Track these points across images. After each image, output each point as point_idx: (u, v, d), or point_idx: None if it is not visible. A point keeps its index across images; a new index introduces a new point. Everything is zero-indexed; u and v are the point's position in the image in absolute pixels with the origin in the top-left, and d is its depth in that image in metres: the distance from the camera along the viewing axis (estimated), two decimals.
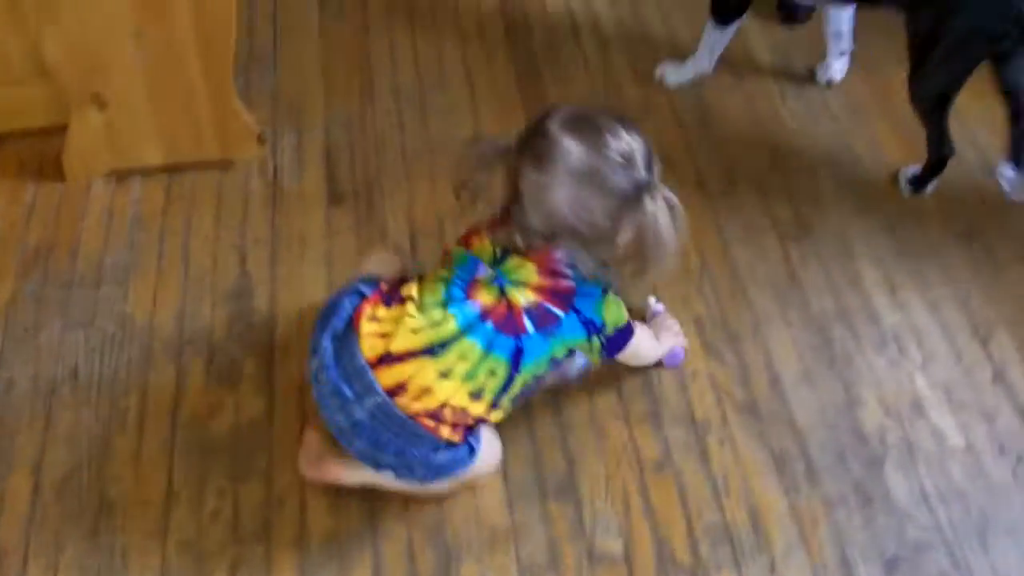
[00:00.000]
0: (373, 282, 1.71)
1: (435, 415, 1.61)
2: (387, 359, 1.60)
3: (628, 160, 1.56)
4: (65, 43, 2.07)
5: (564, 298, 1.63)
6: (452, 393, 1.60)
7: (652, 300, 1.98)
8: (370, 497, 1.73)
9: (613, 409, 1.86)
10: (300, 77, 2.49)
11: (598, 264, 1.62)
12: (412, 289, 1.65)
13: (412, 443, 1.61)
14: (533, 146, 1.57)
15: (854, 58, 2.47)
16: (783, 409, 1.86)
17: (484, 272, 1.63)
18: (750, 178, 2.24)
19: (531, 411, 1.85)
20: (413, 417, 1.59)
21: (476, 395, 1.62)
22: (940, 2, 1.96)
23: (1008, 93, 2.01)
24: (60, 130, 2.23)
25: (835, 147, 2.30)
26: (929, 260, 2.08)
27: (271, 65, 2.52)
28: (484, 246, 1.66)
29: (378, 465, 1.64)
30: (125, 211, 2.20)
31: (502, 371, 1.62)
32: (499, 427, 1.73)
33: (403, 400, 1.59)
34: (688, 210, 2.11)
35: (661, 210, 1.57)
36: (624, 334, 1.73)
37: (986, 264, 2.08)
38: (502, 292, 1.62)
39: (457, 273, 1.65)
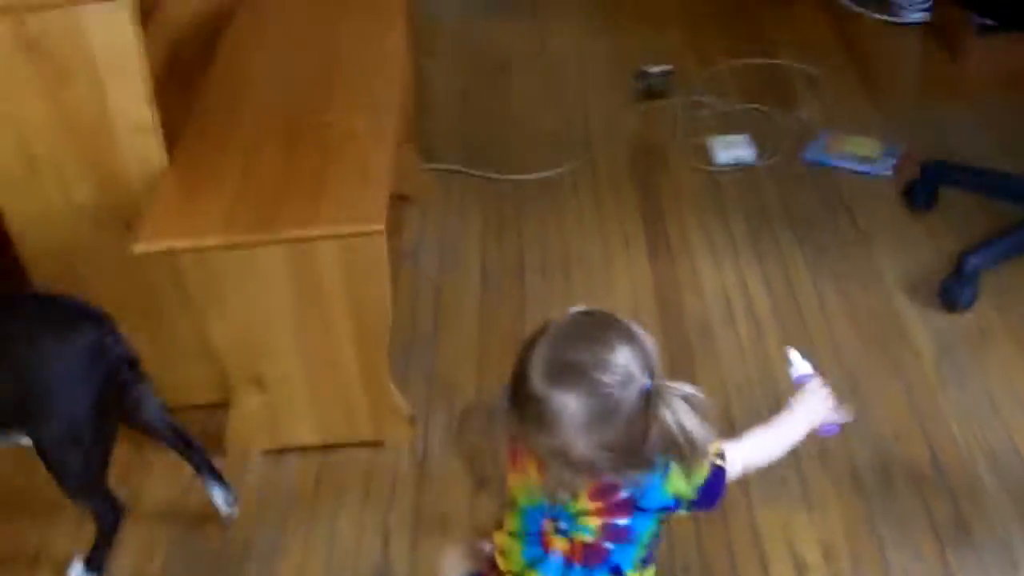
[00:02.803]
0: None
1: None
2: None
3: (626, 380, 1.45)
4: (230, 330, 2.17)
5: (624, 506, 1.55)
6: None
7: (794, 356, 1.75)
8: None
9: None
10: (456, 358, 2.54)
11: (643, 469, 1.52)
12: (502, 562, 1.63)
13: None
14: (528, 410, 1.48)
15: (1018, 350, 2.40)
16: None
17: (545, 523, 1.58)
18: (908, 474, 2.15)
19: None
20: None
21: None
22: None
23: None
24: (225, 406, 2.32)
25: (998, 441, 2.20)
26: None
27: (430, 346, 2.58)
28: (536, 480, 1.58)
29: None
30: (279, 488, 2.25)
31: None
32: None
33: None
34: (845, 508, 2.09)
35: (679, 409, 1.45)
36: (713, 485, 1.59)
37: None
38: (568, 536, 1.57)
39: (525, 531, 1.60)
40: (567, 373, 1.46)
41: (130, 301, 2.27)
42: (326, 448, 2.32)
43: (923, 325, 2.51)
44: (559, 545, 1.59)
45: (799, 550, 2.03)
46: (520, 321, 2.64)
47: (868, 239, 2.80)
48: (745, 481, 2.13)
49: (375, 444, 2.31)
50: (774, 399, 2.33)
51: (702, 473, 1.57)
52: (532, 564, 1.61)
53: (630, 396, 1.46)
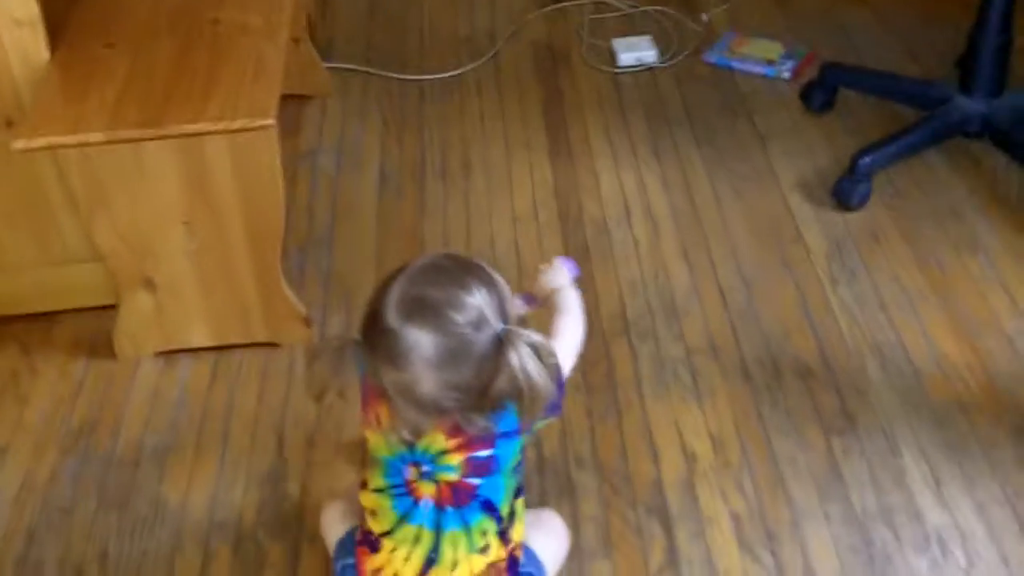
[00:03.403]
0: (347, 547, 1.71)
1: None
2: None
3: (479, 322, 1.47)
4: (116, 229, 2.13)
5: (484, 437, 1.56)
6: (470, 570, 1.62)
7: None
8: None
9: None
10: (354, 258, 2.53)
11: (486, 415, 1.53)
12: (374, 524, 1.64)
13: None
14: (380, 345, 1.48)
15: (910, 248, 2.44)
16: None
17: (408, 472, 1.59)
18: (796, 368, 2.19)
19: None
20: None
21: (485, 549, 1.62)
22: None
23: None
24: (114, 309, 2.29)
25: (885, 338, 2.25)
26: (978, 457, 2.00)
27: (327, 247, 2.57)
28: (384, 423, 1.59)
29: None
30: (171, 391, 2.23)
31: (488, 522, 1.61)
32: None
33: None
34: (733, 401, 2.12)
35: (526, 356, 1.47)
36: (558, 396, 1.60)
37: None
38: (434, 479, 1.59)
39: (390, 484, 1.61)
40: (421, 309, 1.47)
41: (15, 201, 2.23)
42: (219, 350, 2.30)
43: (817, 224, 2.54)
44: (426, 491, 1.60)
45: (689, 441, 2.06)
46: (419, 223, 2.63)
47: (766, 140, 2.82)
48: (637, 376, 2.18)
49: (270, 345, 2.30)
50: (669, 297, 2.37)
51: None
52: (404, 517, 1.62)
53: (482, 339, 1.48)
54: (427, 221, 2.63)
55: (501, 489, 1.62)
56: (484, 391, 1.50)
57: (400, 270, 1.53)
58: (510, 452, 1.60)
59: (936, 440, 2.04)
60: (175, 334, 2.28)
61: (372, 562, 1.65)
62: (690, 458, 2.03)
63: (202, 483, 2.04)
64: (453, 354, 1.46)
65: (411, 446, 1.57)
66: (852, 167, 2.57)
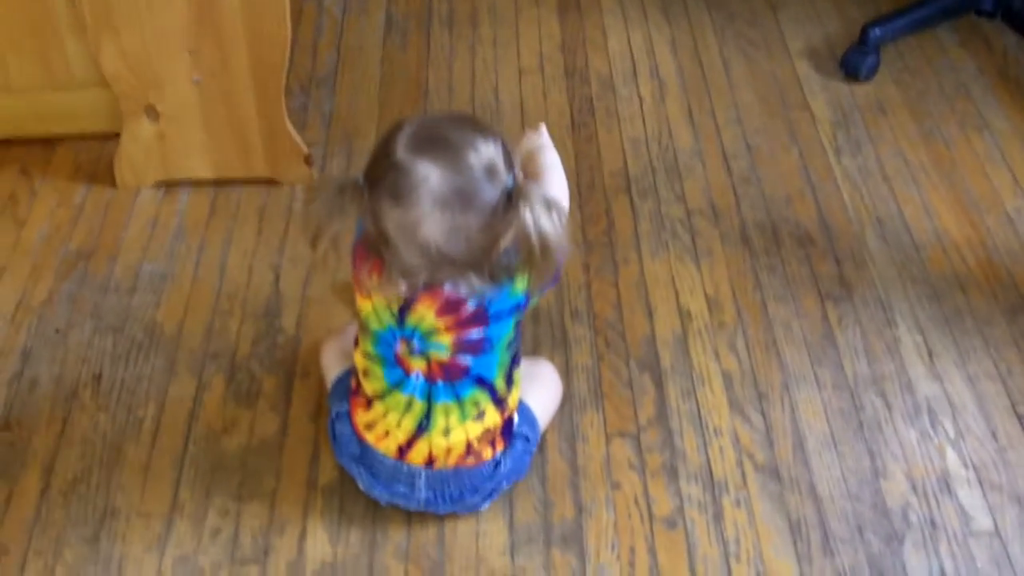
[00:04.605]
0: (341, 392, 1.72)
1: (471, 452, 1.65)
2: (403, 449, 1.65)
3: (492, 170, 1.43)
4: (121, 54, 2.10)
5: (476, 318, 1.54)
6: (465, 435, 1.64)
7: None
8: (372, 529, 1.72)
9: (630, 459, 1.82)
10: (357, 101, 2.50)
11: (483, 278, 1.50)
12: (366, 384, 1.65)
13: (475, 479, 1.67)
14: (386, 180, 1.43)
15: (916, 123, 2.43)
16: (805, 474, 1.81)
17: (399, 346, 1.58)
18: (796, 235, 2.19)
19: (545, 454, 1.82)
20: (459, 466, 1.65)
21: (480, 416, 1.64)
22: None
23: None
24: (117, 137, 2.26)
25: (886, 210, 2.25)
26: (972, 333, 2.02)
27: (330, 88, 2.54)
28: (381, 302, 1.56)
29: (472, 507, 1.72)
30: (169, 221, 2.22)
31: (481, 394, 1.62)
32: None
33: (440, 463, 1.65)
34: (731, 264, 2.13)
35: (540, 211, 1.43)
36: (556, 270, 1.55)
37: None
38: (424, 355, 1.58)
39: (380, 355, 1.61)
40: (436, 144, 1.43)
41: (22, 23, 2.19)
42: (219, 183, 2.28)
43: (824, 93, 2.53)
44: (417, 365, 1.59)
45: (684, 300, 2.07)
46: (424, 69, 2.59)
47: (777, 8, 2.78)
48: (636, 233, 2.18)
49: (270, 182, 2.29)
50: (671, 157, 2.36)
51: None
52: (396, 385, 1.62)
53: (493, 190, 1.43)
54: (432, 69, 2.60)
55: (494, 365, 1.61)
56: (489, 248, 1.46)
57: (408, 118, 1.50)
58: (503, 331, 1.58)
59: (931, 313, 2.05)
60: (176, 165, 2.26)
61: (364, 416, 1.67)
62: (685, 317, 2.05)
63: (198, 313, 2.05)
64: (462, 195, 1.42)
65: (400, 320, 1.55)
66: (862, 38, 2.54)
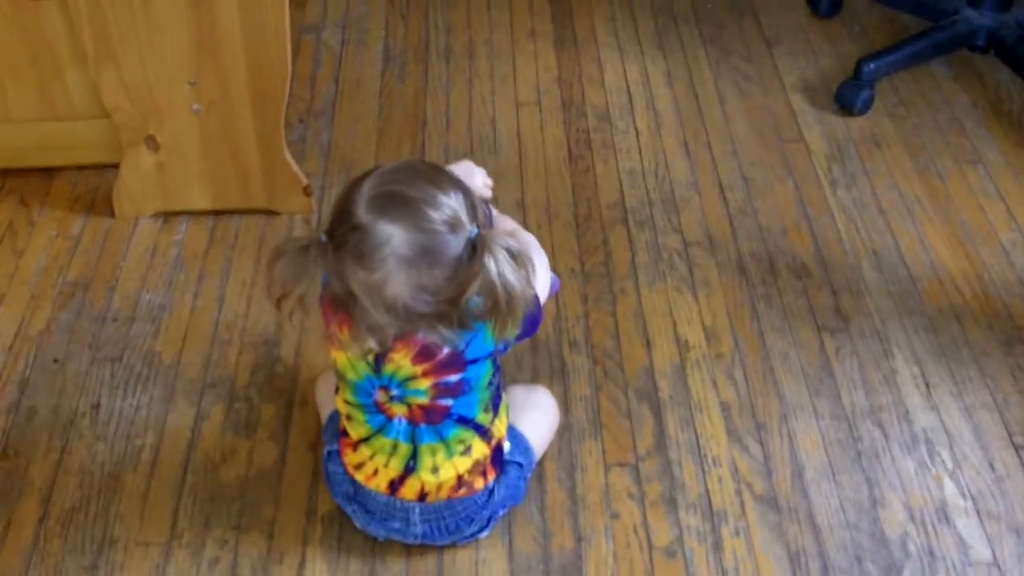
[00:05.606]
0: (333, 431, 1.72)
1: (463, 484, 1.66)
2: (394, 485, 1.65)
3: (454, 223, 1.43)
4: (122, 84, 2.11)
5: (452, 363, 1.54)
6: (455, 471, 1.64)
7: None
8: (372, 559, 1.71)
9: (629, 489, 1.82)
10: (355, 133, 2.52)
11: (454, 328, 1.50)
12: (350, 429, 1.66)
13: (469, 509, 1.68)
14: (349, 243, 1.42)
15: (910, 157, 2.45)
16: (803, 504, 1.81)
17: (378, 394, 1.58)
18: (792, 266, 2.20)
19: (544, 484, 1.82)
20: (451, 498, 1.66)
21: (467, 451, 1.64)
22: None
23: None
24: (115, 167, 2.27)
25: (882, 242, 2.26)
26: (969, 364, 2.02)
27: (329, 120, 2.55)
28: (355, 356, 1.56)
29: (470, 536, 1.72)
30: (168, 251, 2.23)
31: (466, 432, 1.62)
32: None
33: (432, 497, 1.65)
34: (728, 294, 2.14)
35: (503, 260, 1.43)
36: (534, 315, 1.59)
37: None
38: (404, 401, 1.58)
39: (360, 402, 1.61)
40: (395, 204, 1.42)
41: (22, 53, 2.20)
42: (218, 214, 2.29)
43: (818, 127, 2.55)
44: (398, 411, 1.59)
45: (682, 330, 2.08)
46: (421, 101, 2.61)
47: (771, 43, 2.81)
48: (634, 264, 2.19)
49: (269, 213, 2.30)
50: (668, 189, 2.37)
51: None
52: (379, 430, 1.62)
53: (457, 242, 1.43)
54: (430, 101, 2.62)
55: (475, 404, 1.61)
56: (456, 299, 1.46)
57: (370, 171, 1.49)
58: (481, 373, 1.58)
59: (928, 344, 2.06)
60: (175, 195, 2.27)
61: (353, 457, 1.67)
62: (683, 347, 2.05)
63: (196, 343, 2.05)
64: (426, 252, 1.42)
65: (377, 369, 1.55)
66: (856, 72, 2.56)
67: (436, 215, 1.42)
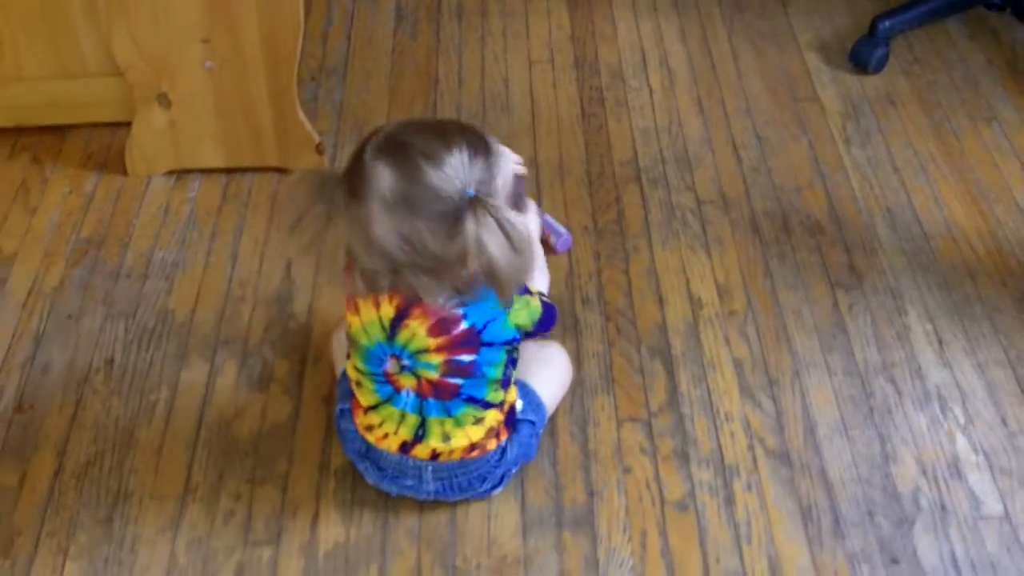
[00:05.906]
0: (346, 390, 1.72)
1: (475, 447, 1.66)
2: (405, 446, 1.66)
3: (448, 181, 1.42)
4: (134, 42, 2.11)
5: (467, 342, 1.55)
6: (467, 439, 1.65)
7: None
8: (384, 512, 1.72)
9: (641, 444, 1.83)
10: (367, 91, 2.51)
11: (453, 293, 1.50)
12: (359, 395, 1.67)
13: (482, 468, 1.68)
14: (350, 176, 1.47)
15: (925, 115, 2.44)
16: (815, 459, 1.81)
17: (389, 363, 1.58)
18: (806, 224, 2.20)
19: (556, 438, 1.82)
20: (464, 459, 1.67)
21: (478, 422, 1.65)
22: None
23: None
24: (128, 125, 2.27)
25: (896, 200, 2.25)
26: (982, 320, 2.02)
27: (341, 78, 2.55)
28: (370, 318, 1.56)
29: (483, 494, 1.73)
30: (181, 208, 2.23)
31: (474, 409, 1.63)
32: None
33: (444, 458, 1.66)
34: (741, 252, 2.13)
35: (487, 227, 1.41)
36: (549, 317, 1.65)
37: None
38: (414, 373, 1.58)
39: (371, 370, 1.61)
40: (395, 150, 1.45)
41: (35, 12, 2.19)
42: (231, 172, 2.29)
43: (833, 85, 2.53)
44: (407, 383, 1.60)
45: (695, 288, 2.08)
46: (434, 59, 2.60)
47: (787, 0, 2.79)
48: (647, 222, 2.18)
49: (281, 171, 2.29)
50: (681, 147, 2.37)
51: (537, 307, 1.61)
52: (387, 400, 1.63)
53: (448, 200, 1.43)
54: (442, 59, 2.61)
55: (484, 386, 1.62)
56: (439, 256, 1.45)
57: (403, 120, 1.55)
58: (494, 359, 1.59)
59: (941, 301, 2.05)
60: (187, 153, 2.27)
61: (363, 419, 1.68)
62: (695, 304, 2.05)
63: (210, 300, 2.05)
64: (408, 200, 1.43)
65: (391, 336, 1.55)
66: (871, 30, 2.55)
67: (431, 170, 1.43)
